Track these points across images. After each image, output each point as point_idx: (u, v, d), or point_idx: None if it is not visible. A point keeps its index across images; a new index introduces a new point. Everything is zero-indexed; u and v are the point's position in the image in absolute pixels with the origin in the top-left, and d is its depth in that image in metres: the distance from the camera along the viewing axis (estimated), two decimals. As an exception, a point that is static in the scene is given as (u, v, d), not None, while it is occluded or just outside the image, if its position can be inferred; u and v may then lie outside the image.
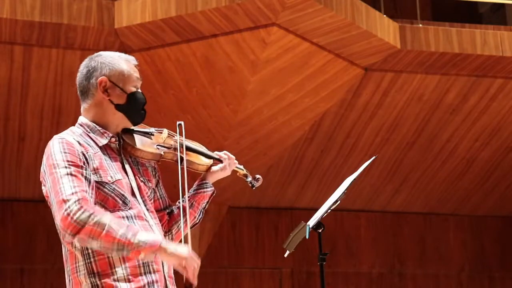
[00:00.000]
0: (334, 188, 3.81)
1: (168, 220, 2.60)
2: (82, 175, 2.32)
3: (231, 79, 6.29)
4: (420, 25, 6.79)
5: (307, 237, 3.55)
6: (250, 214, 7.99)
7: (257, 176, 2.78)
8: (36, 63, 6.24)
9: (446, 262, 8.04)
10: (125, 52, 2.74)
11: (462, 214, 8.34)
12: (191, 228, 2.56)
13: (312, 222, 3.61)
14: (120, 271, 2.28)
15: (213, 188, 2.66)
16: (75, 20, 5.92)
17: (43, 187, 2.43)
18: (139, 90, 2.53)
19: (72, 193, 2.25)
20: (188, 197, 2.61)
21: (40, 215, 7.42)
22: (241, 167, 2.76)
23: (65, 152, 2.34)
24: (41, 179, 2.42)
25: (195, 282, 2.23)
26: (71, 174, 2.30)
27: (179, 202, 2.61)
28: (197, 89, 6.40)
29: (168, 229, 2.59)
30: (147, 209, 2.44)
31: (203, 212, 2.65)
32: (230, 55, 6.13)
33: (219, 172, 2.67)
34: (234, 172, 2.77)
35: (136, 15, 5.93)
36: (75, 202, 2.23)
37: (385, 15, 6.52)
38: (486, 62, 6.72)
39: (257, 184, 2.78)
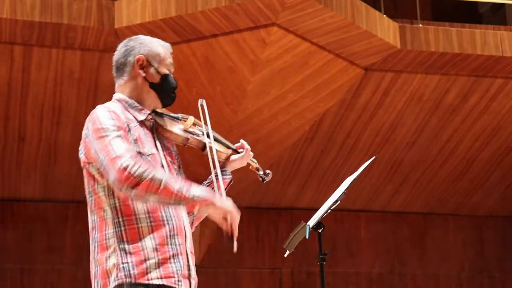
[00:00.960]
0: (334, 188, 3.82)
1: None
2: (128, 139, 2.44)
3: (231, 79, 6.30)
4: (420, 25, 6.79)
5: (307, 237, 3.55)
6: (250, 214, 7.99)
7: (267, 171, 2.90)
8: (36, 63, 6.24)
9: (446, 262, 8.04)
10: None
11: (462, 214, 8.35)
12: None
13: (312, 222, 3.61)
14: (148, 241, 2.39)
15: (231, 176, 2.80)
16: (75, 20, 5.93)
17: (81, 155, 2.50)
18: (171, 74, 2.67)
19: (126, 151, 2.36)
20: (208, 183, 2.75)
21: (40, 215, 7.43)
22: (255, 160, 2.87)
23: (112, 119, 2.45)
24: (81, 145, 2.47)
25: (236, 234, 2.45)
26: (121, 137, 2.41)
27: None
28: (197, 89, 6.40)
29: (190, 210, 2.69)
30: None
31: None
32: (230, 55, 6.14)
33: (237, 161, 2.81)
34: (244, 166, 2.85)
35: (136, 15, 5.94)
36: (129, 158, 2.34)
37: (385, 15, 6.53)
38: (486, 62, 6.72)
39: (267, 179, 2.91)
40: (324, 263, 3.63)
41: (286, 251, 3.74)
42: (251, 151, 2.88)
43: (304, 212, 7.51)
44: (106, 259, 2.39)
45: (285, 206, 8.10)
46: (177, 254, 2.43)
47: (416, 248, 8.09)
